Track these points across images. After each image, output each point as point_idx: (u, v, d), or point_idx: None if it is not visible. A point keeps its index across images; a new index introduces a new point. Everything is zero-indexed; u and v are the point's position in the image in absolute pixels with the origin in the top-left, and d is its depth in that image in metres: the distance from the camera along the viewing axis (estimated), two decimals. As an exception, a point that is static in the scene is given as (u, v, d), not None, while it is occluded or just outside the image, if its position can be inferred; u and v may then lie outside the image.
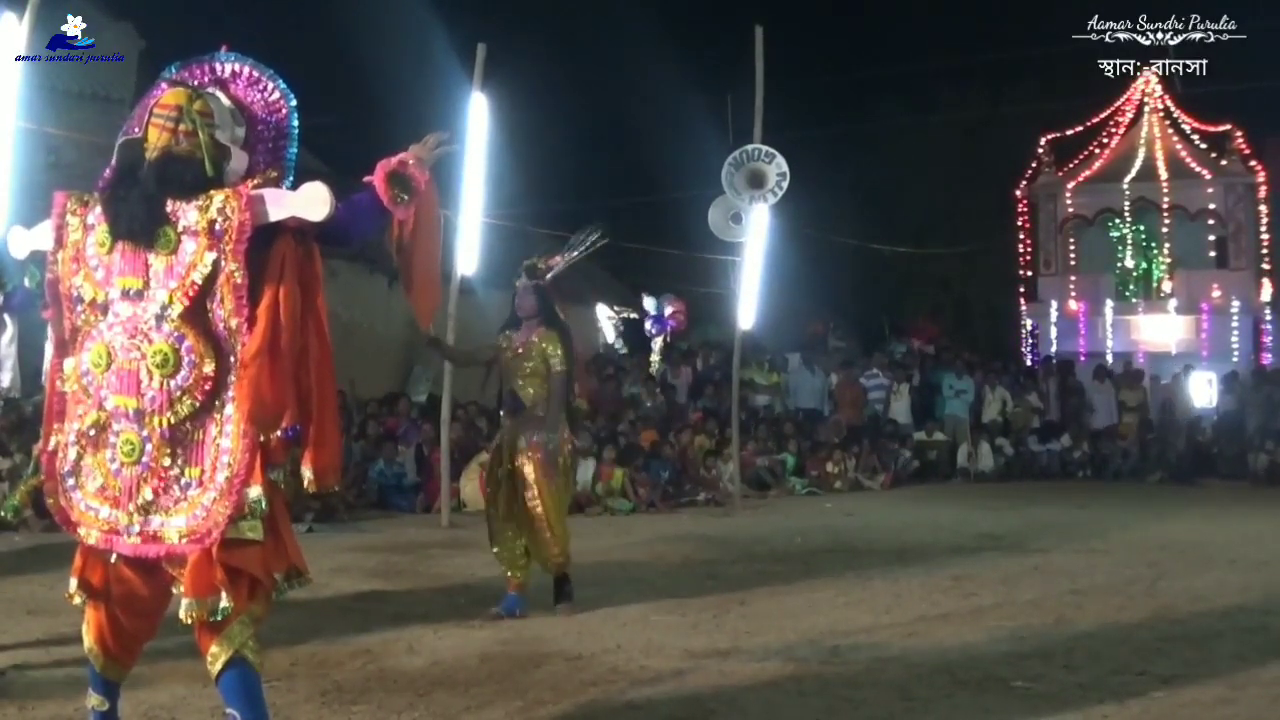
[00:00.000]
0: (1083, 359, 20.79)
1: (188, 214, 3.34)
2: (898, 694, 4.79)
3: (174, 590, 3.46)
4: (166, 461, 3.36)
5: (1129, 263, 22.44)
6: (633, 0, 26.66)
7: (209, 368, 3.32)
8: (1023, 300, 23.67)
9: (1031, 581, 7.65)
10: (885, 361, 18.52)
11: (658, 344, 18.92)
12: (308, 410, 3.41)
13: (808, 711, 4.55)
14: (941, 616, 6.44)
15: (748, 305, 12.69)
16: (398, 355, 15.67)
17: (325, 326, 3.46)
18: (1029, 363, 21.81)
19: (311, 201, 3.30)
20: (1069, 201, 22.78)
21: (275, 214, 3.32)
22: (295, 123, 3.63)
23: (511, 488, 6.39)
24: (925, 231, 27.79)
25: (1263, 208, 22.36)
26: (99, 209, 3.45)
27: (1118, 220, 22.36)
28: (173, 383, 3.32)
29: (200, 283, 3.32)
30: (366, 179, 3.52)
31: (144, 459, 3.37)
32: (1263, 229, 22.42)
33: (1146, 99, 22.62)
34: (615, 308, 21.57)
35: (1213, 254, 22.29)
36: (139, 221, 3.36)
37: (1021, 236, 23.64)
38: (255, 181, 3.41)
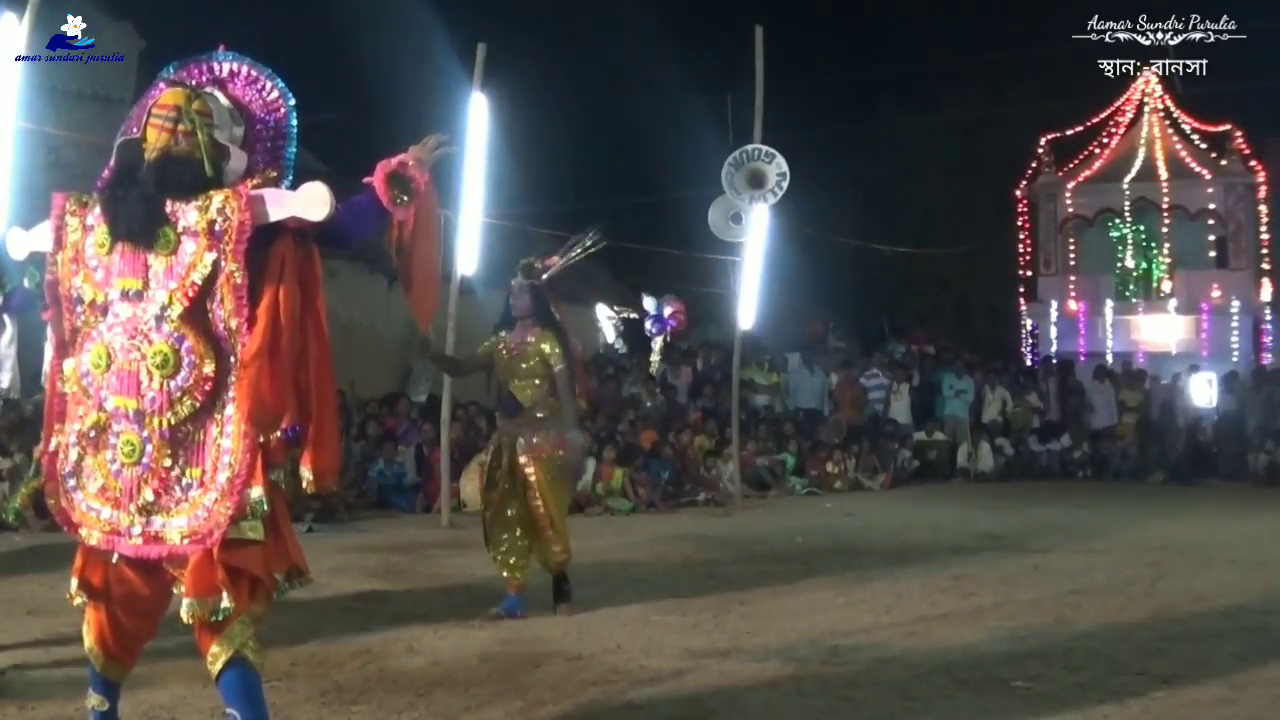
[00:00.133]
0: (1083, 359, 20.80)
1: (187, 214, 3.33)
2: (898, 694, 4.79)
3: (175, 590, 3.46)
4: (167, 462, 3.36)
5: (1129, 263, 22.46)
6: (633, 0, 26.69)
7: (209, 368, 3.32)
8: (1023, 300, 23.69)
9: (1031, 581, 7.65)
10: (885, 361, 18.53)
11: (658, 344, 18.89)
12: (307, 411, 3.41)
13: (808, 711, 4.55)
14: (941, 616, 6.44)
15: (748, 305, 12.69)
16: (398, 355, 15.65)
17: (325, 327, 3.45)
18: (1029, 363, 21.82)
19: (311, 201, 3.30)
20: (1069, 201, 22.79)
21: (275, 214, 3.32)
22: (294, 122, 3.63)
23: (510, 489, 6.38)
24: (925, 231, 27.78)
25: (1263, 208, 22.38)
26: (98, 210, 3.44)
27: (1118, 220, 22.37)
28: (173, 383, 3.32)
29: (200, 283, 3.31)
30: (366, 180, 3.52)
31: (144, 460, 3.37)
32: (1263, 229, 22.43)
33: (1146, 99, 22.64)
34: (615, 308, 21.57)
35: (1213, 254, 22.31)
36: (138, 222, 3.36)
37: (1021, 236, 23.66)
38: (255, 181, 3.41)
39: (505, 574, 6.42)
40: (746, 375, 15.64)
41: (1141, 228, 22.28)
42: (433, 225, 3.77)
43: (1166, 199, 21.93)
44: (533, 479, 6.31)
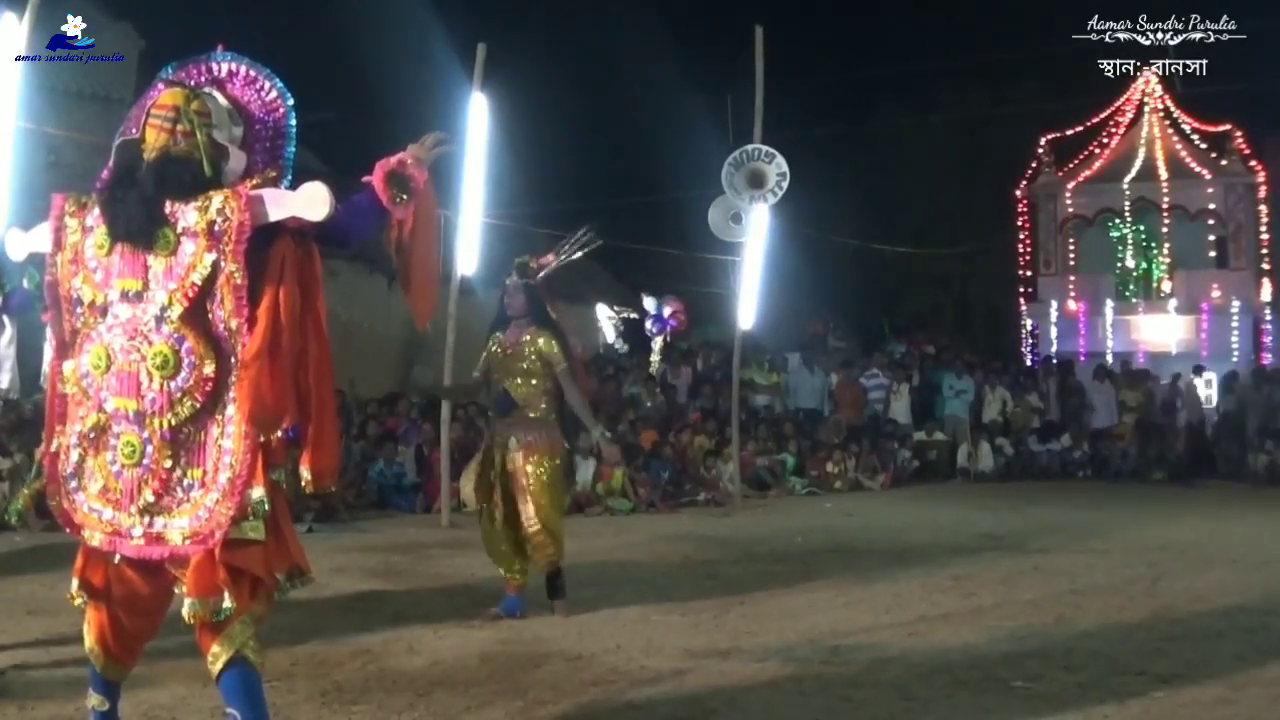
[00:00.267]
0: (1083, 359, 20.79)
1: (187, 215, 3.33)
2: (898, 694, 4.79)
3: (176, 590, 3.46)
4: (168, 463, 3.35)
5: (1129, 263, 22.45)
6: (632, 0, 26.69)
7: (209, 369, 3.31)
8: (1023, 300, 23.69)
9: (1031, 581, 7.65)
10: (885, 361, 18.53)
11: (658, 344, 18.90)
12: (307, 411, 3.40)
13: (808, 711, 4.55)
14: (941, 616, 6.44)
15: (748, 305, 12.70)
16: (398, 355, 15.67)
17: (324, 327, 3.45)
18: (1029, 363, 21.82)
19: (311, 201, 3.29)
20: (1069, 201, 22.79)
21: (275, 214, 3.31)
22: (293, 122, 3.62)
23: (505, 489, 6.35)
24: (925, 231, 27.77)
25: (1263, 208, 22.38)
26: (97, 211, 3.44)
27: (1118, 220, 22.37)
28: (173, 384, 3.32)
29: (200, 284, 3.31)
30: (365, 179, 3.52)
31: (145, 461, 3.37)
32: (1263, 229, 22.43)
33: (1146, 99, 22.64)
34: (615, 308, 21.57)
35: (1213, 254, 22.31)
36: (137, 223, 3.35)
37: (1021, 236, 23.65)
38: (254, 181, 3.40)
39: (505, 574, 6.42)
40: (746, 375, 15.64)
41: (1141, 228, 22.28)
42: (432, 224, 3.77)
43: (1166, 199, 21.93)
44: (525, 478, 6.27)
